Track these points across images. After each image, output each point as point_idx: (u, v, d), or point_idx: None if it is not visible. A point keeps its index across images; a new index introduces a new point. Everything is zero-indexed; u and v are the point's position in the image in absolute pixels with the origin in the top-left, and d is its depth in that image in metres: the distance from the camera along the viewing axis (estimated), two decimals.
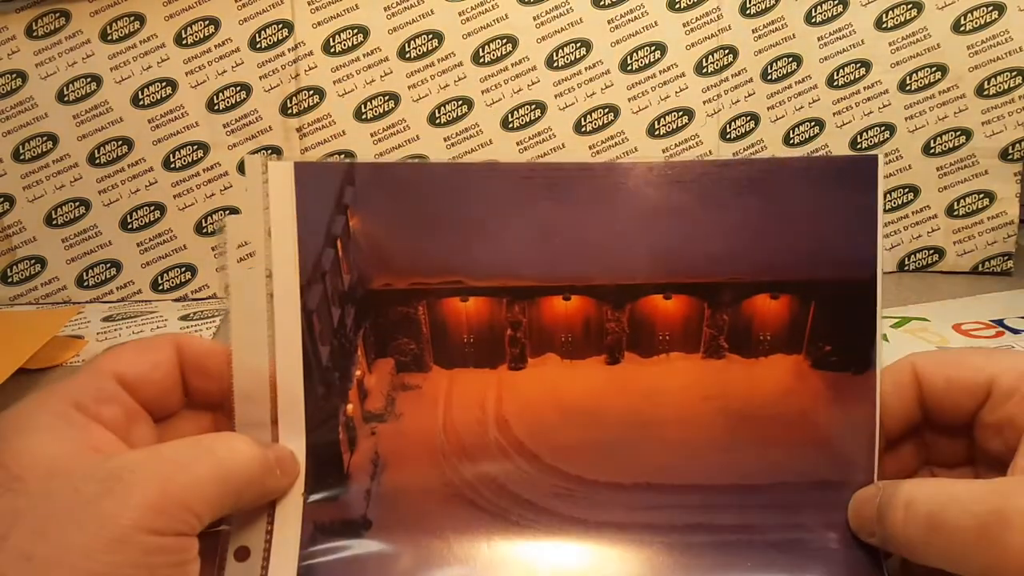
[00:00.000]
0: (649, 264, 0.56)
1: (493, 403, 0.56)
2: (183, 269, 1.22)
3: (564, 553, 0.53)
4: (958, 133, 1.21)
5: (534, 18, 1.18)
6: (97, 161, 1.19)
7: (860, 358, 0.55)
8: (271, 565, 0.51)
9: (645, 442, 0.55)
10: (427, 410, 0.56)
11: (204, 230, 1.20)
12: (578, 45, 1.19)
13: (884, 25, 1.18)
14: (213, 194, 1.19)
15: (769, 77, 1.21)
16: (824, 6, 1.19)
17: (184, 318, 1.17)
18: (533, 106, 1.12)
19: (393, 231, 0.55)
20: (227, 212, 1.10)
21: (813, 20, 1.19)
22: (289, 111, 1.11)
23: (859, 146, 1.18)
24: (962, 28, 1.19)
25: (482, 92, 1.15)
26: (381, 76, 1.19)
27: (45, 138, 1.17)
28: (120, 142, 1.19)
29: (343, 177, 0.54)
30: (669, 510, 0.54)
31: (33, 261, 1.21)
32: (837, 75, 1.21)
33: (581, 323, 0.57)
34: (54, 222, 1.21)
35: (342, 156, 1.12)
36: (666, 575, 0.52)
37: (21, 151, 1.18)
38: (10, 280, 1.21)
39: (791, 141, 1.14)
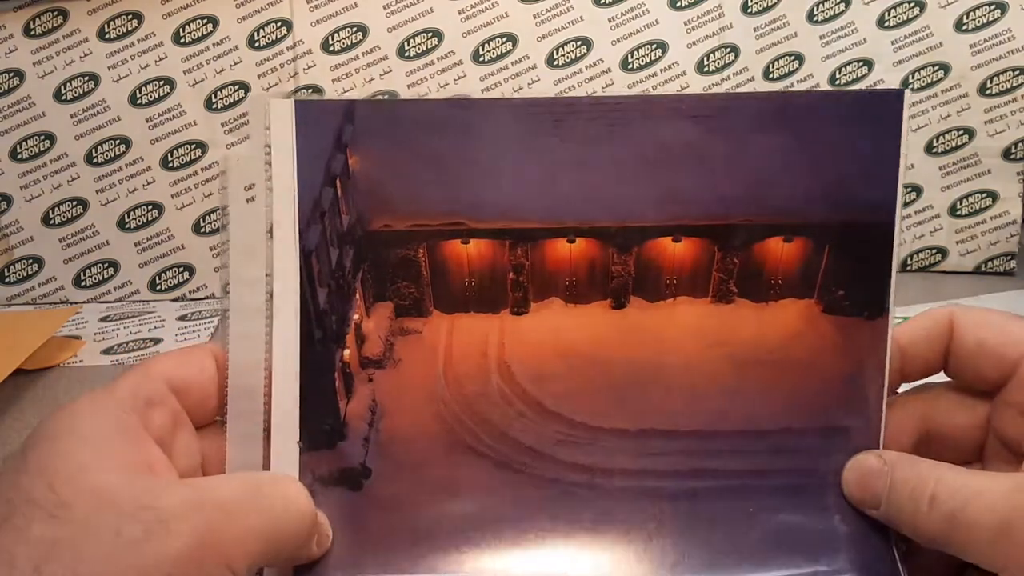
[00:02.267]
0: (657, 205, 0.54)
1: (495, 349, 0.54)
2: (181, 269, 1.20)
3: (568, 501, 0.52)
4: (960, 132, 1.20)
5: (534, 16, 1.17)
6: (95, 160, 1.18)
7: (874, 303, 0.53)
8: None
9: (650, 388, 0.54)
10: (427, 356, 0.54)
11: (202, 230, 1.19)
12: (579, 43, 1.18)
13: (886, 24, 1.17)
14: (211, 193, 1.18)
15: (771, 76, 1.19)
16: (826, 4, 1.18)
17: (182, 318, 1.16)
18: None
19: (393, 170, 0.53)
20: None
21: (815, 19, 1.18)
22: None
23: None
24: (964, 27, 1.17)
25: (482, 91, 1.13)
26: (380, 75, 1.17)
27: (42, 137, 1.15)
28: (118, 141, 1.18)
29: (343, 115, 0.53)
30: (673, 456, 0.53)
31: (30, 261, 1.19)
32: (839, 74, 1.20)
33: (586, 266, 0.55)
34: (51, 222, 1.19)
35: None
36: (669, 521, 0.52)
37: (18, 150, 1.15)
38: (7, 280, 1.20)
39: None
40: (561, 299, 0.55)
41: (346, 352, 0.53)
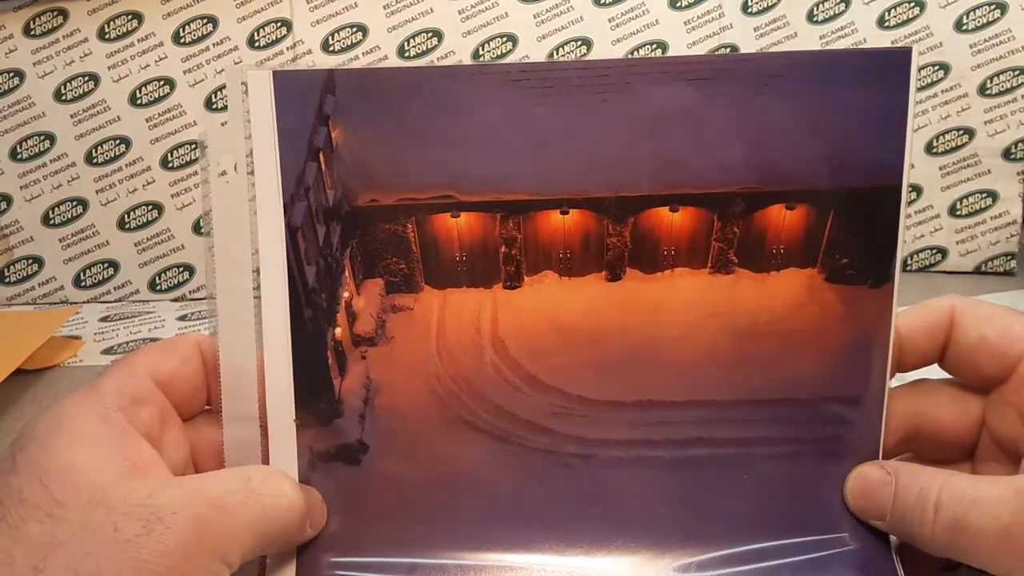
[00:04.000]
0: (654, 173, 0.52)
1: (488, 324, 0.53)
2: (181, 269, 1.19)
3: (564, 473, 0.53)
4: (960, 132, 1.18)
5: (534, 16, 1.15)
6: (95, 160, 1.17)
7: (880, 269, 0.52)
8: None
9: (647, 361, 0.53)
10: (419, 332, 0.53)
11: (202, 230, 1.15)
12: (579, 43, 1.16)
13: (886, 23, 1.15)
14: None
15: None
16: (826, 4, 1.17)
17: (182, 318, 1.15)
18: None
19: (377, 143, 0.51)
20: None
21: (815, 19, 1.17)
22: None
23: None
24: (964, 27, 1.16)
25: None
26: None
27: (42, 137, 1.14)
28: (118, 141, 1.16)
29: (323, 86, 0.51)
30: (669, 426, 0.52)
31: (30, 261, 1.18)
32: None
33: (580, 238, 0.53)
34: (51, 222, 1.18)
35: None
36: (664, 491, 0.52)
37: (18, 150, 1.14)
38: (7, 280, 1.18)
39: None
40: (555, 272, 0.54)
41: (337, 330, 0.52)
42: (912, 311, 0.51)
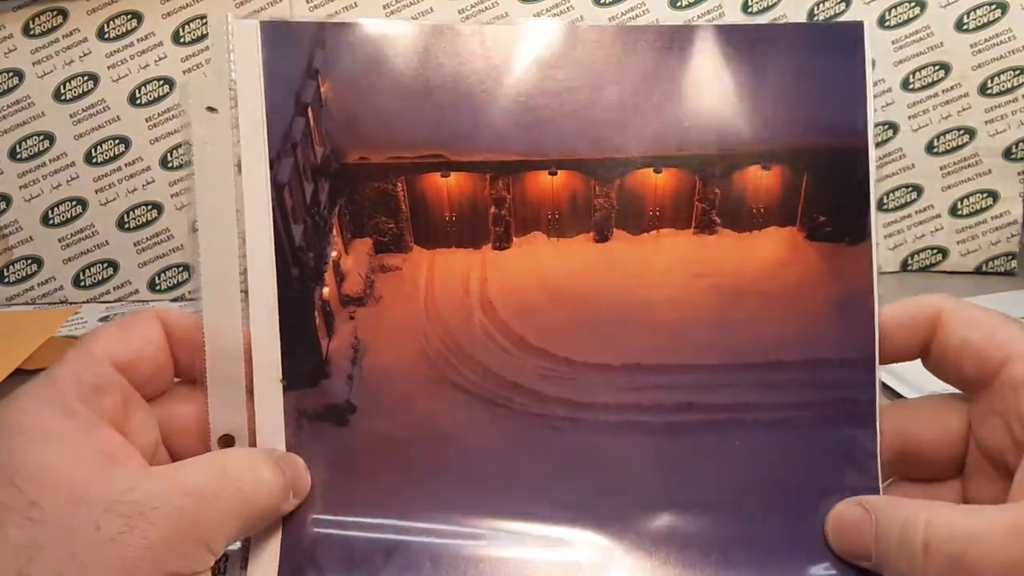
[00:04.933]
0: (638, 136, 0.53)
1: (477, 284, 0.53)
2: (180, 269, 1.20)
3: (551, 436, 0.52)
4: (961, 132, 1.19)
5: (534, 16, 1.16)
6: (94, 160, 1.17)
7: (855, 227, 0.53)
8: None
9: (635, 322, 0.53)
10: (408, 292, 0.53)
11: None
12: None
13: (887, 23, 1.16)
14: None
15: None
16: (826, 4, 1.17)
17: None
18: None
19: (368, 100, 0.51)
20: None
21: (815, 18, 1.17)
22: None
23: None
24: (965, 27, 1.17)
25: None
26: None
27: (42, 137, 1.16)
28: (117, 141, 1.17)
29: (313, 39, 0.51)
30: (658, 390, 0.52)
31: (30, 261, 1.19)
32: None
33: (568, 199, 0.54)
34: (51, 222, 1.19)
35: None
36: (652, 456, 0.52)
37: (18, 150, 1.16)
38: (7, 280, 1.19)
39: None
40: (544, 233, 0.54)
41: (325, 290, 0.52)
42: (898, 304, 0.51)
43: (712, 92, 0.53)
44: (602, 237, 0.54)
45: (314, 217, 0.52)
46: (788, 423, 0.52)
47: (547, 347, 0.53)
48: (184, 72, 1.14)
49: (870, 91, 0.52)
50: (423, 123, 0.52)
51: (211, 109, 0.49)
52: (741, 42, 0.53)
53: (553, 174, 0.53)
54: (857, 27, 0.52)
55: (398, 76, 0.51)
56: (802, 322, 0.53)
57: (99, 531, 0.39)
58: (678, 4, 1.14)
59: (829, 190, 0.53)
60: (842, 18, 1.16)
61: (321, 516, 0.50)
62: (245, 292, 0.50)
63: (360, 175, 0.52)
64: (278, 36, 0.50)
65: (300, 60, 0.51)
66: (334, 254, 0.52)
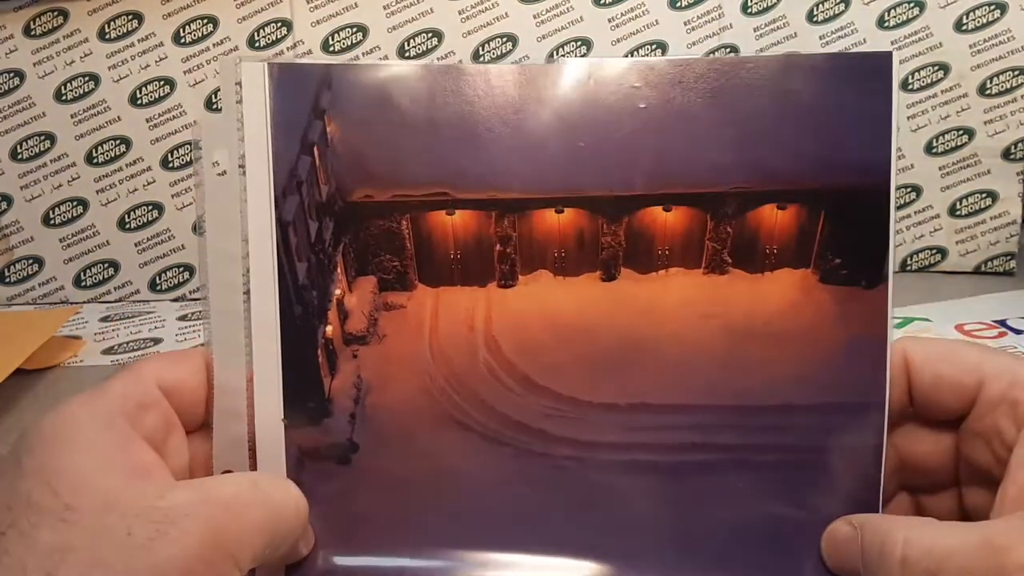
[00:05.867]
0: (648, 173, 0.51)
1: (482, 323, 0.52)
2: (181, 269, 1.18)
3: (556, 476, 0.51)
4: (960, 132, 1.18)
5: (534, 16, 1.15)
6: (95, 160, 1.16)
7: (872, 270, 0.51)
8: None
9: (641, 362, 0.52)
10: (412, 331, 0.52)
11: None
12: (579, 43, 1.16)
13: (886, 24, 1.14)
14: None
15: None
16: (826, 4, 1.16)
17: (182, 318, 1.14)
18: None
19: (373, 139, 0.51)
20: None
21: (815, 19, 1.16)
22: None
23: None
24: (964, 27, 1.15)
25: None
26: None
27: (43, 137, 1.14)
28: (118, 141, 1.16)
29: (320, 80, 0.50)
30: (664, 431, 0.51)
31: (31, 261, 1.17)
32: None
33: (574, 237, 0.52)
34: (52, 222, 1.17)
35: None
36: (656, 496, 0.51)
37: (19, 150, 1.14)
38: (8, 280, 1.17)
39: None
40: (550, 271, 0.53)
41: (328, 328, 0.51)
42: None
43: (727, 128, 0.51)
44: (609, 276, 0.53)
45: (318, 255, 0.51)
46: (794, 465, 0.51)
47: (552, 386, 0.52)
48: (184, 72, 1.13)
49: (895, 127, 0.49)
50: (428, 161, 0.51)
51: (222, 152, 0.49)
52: (759, 75, 0.51)
53: (560, 212, 0.52)
54: (884, 59, 0.50)
55: (404, 115, 0.50)
56: (813, 365, 0.51)
57: (130, 536, 0.39)
58: (677, 4, 1.12)
59: (847, 231, 0.51)
60: (841, 19, 1.15)
61: (324, 560, 0.49)
62: (248, 329, 0.49)
63: (365, 213, 0.51)
64: (285, 77, 0.50)
65: (307, 100, 0.50)
66: (338, 292, 0.52)
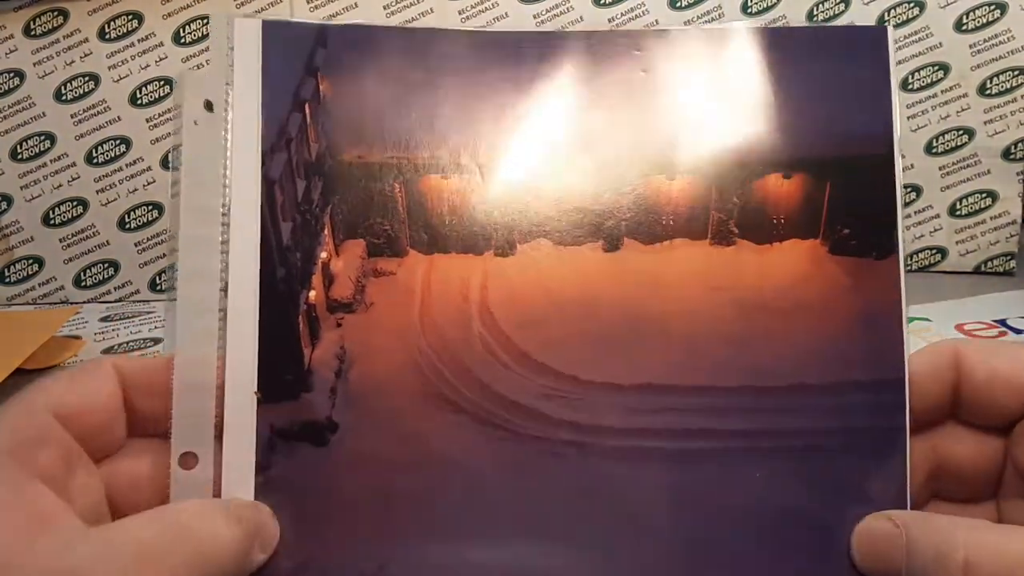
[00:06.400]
0: (652, 142, 0.49)
1: (477, 293, 0.48)
2: None
3: (554, 462, 0.47)
4: (960, 132, 1.14)
5: (534, 16, 1.13)
6: (95, 160, 1.12)
7: (881, 241, 0.48)
8: (225, 474, 0.44)
9: (647, 338, 0.48)
10: (402, 299, 0.48)
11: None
12: None
13: (886, 24, 1.09)
14: None
15: None
16: (826, 5, 1.13)
17: None
18: None
19: (368, 99, 0.48)
20: None
21: (815, 19, 1.14)
22: None
23: None
24: (964, 27, 1.12)
25: None
26: None
27: (43, 137, 1.10)
28: (118, 141, 1.12)
29: (315, 38, 0.47)
30: (671, 413, 0.47)
31: (31, 261, 1.14)
32: None
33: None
34: (52, 222, 1.14)
35: None
36: (664, 487, 0.47)
37: (19, 150, 1.10)
38: (8, 280, 1.14)
39: None
40: (550, 240, 0.49)
41: (312, 293, 0.47)
42: (914, 357, 0.46)
43: (730, 97, 0.49)
44: (612, 246, 0.49)
45: (304, 215, 0.48)
46: (811, 450, 0.47)
47: (551, 363, 0.48)
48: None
49: (895, 97, 0.48)
50: (424, 123, 0.48)
51: (207, 104, 0.46)
52: (759, 45, 0.49)
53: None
54: (881, 32, 0.49)
55: (401, 77, 0.48)
56: (826, 341, 0.48)
57: None
58: (678, 4, 1.10)
59: (853, 201, 0.49)
60: (842, 19, 1.12)
61: (290, 559, 0.44)
62: (224, 289, 0.45)
63: (356, 173, 0.48)
64: (279, 35, 0.47)
65: (300, 58, 0.48)
66: (324, 255, 0.48)
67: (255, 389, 0.45)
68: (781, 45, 0.49)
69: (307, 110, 0.47)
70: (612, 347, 0.48)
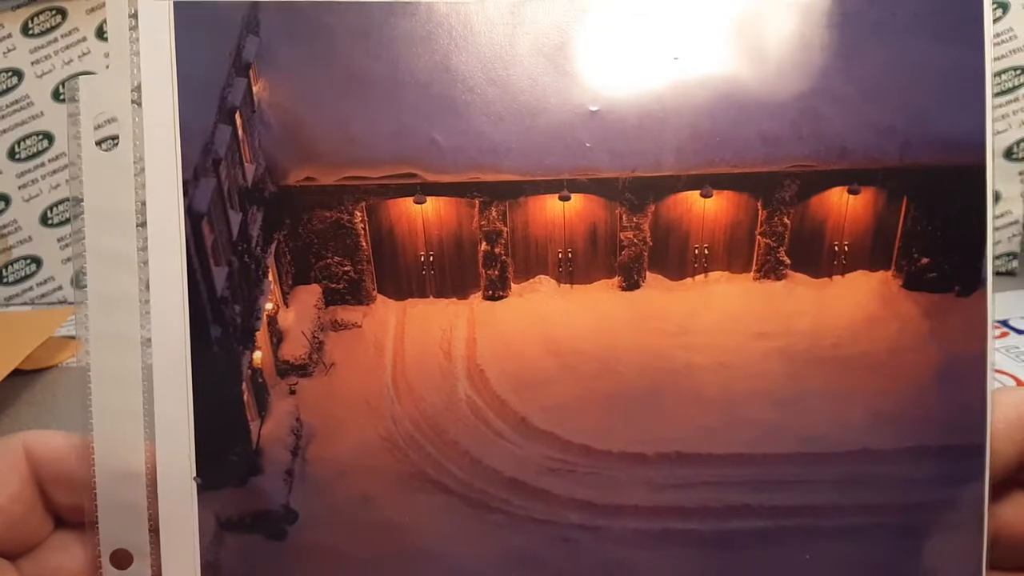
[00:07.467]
0: (681, 148, 0.37)
1: (462, 346, 0.39)
2: None
3: (565, 551, 0.37)
4: None
5: None
6: None
7: (967, 273, 0.37)
8: (165, 574, 0.35)
9: (675, 398, 0.38)
10: (369, 358, 0.38)
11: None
12: None
13: None
14: None
15: None
16: None
17: None
18: None
19: (316, 101, 0.36)
20: None
21: None
22: None
23: None
24: None
25: None
26: None
27: (41, 136, 1.00)
28: None
29: (243, 23, 0.35)
30: (706, 488, 0.38)
31: (29, 261, 1.03)
32: None
33: (585, 232, 0.39)
34: (50, 221, 1.03)
35: None
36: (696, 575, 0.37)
37: (17, 150, 1.00)
38: (5, 280, 1.04)
39: None
40: (552, 278, 0.39)
41: (256, 355, 0.37)
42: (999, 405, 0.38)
43: (781, 88, 0.36)
44: (631, 283, 0.39)
45: (242, 258, 0.37)
46: (874, 531, 0.37)
47: (556, 430, 0.38)
48: None
49: (989, 90, 0.35)
50: (389, 131, 0.37)
51: (110, 120, 0.34)
52: (823, 22, 0.36)
53: (565, 199, 0.38)
54: (976, 5, 0.35)
55: (356, 70, 0.36)
56: (896, 399, 0.38)
57: None
58: None
59: (936, 222, 0.38)
60: None
61: None
62: (145, 359, 0.35)
63: (305, 201, 0.38)
64: (196, 19, 0.35)
65: (225, 51, 0.36)
66: (269, 306, 0.38)
67: (194, 475, 0.35)
68: (852, 26, 0.37)
69: (238, 120, 0.36)
70: (632, 410, 0.38)
